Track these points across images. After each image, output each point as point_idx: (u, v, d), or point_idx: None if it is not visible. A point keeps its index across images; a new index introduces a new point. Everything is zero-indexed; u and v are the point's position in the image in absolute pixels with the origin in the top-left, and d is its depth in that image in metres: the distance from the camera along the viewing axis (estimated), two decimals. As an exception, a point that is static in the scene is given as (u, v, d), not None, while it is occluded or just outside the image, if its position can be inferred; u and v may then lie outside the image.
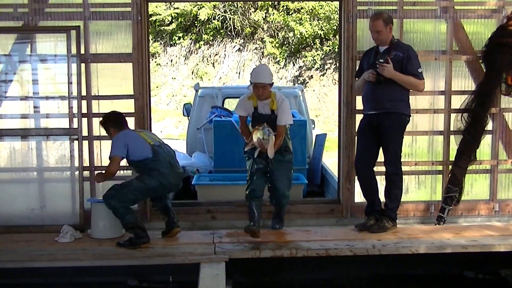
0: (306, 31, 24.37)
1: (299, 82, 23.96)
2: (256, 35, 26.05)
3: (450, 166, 7.50)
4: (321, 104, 23.53)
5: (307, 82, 24.21)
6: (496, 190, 7.73)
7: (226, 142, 9.33)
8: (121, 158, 6.56)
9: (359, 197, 7.45)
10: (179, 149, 11.09)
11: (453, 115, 7.57)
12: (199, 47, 26.42)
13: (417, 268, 6.84)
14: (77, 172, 7.16)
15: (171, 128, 22.38)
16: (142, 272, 6.47)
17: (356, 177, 7.35)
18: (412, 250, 6.57)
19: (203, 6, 25.54)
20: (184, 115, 11.99)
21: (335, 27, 23.25)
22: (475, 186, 7.75)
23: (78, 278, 6.46)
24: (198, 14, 25.90)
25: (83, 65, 7.18)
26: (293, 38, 24.98)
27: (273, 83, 6.87)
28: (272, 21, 25.54)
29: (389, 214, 7.04)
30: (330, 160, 11.75)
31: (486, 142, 7.60)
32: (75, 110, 7.14)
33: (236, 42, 26.12)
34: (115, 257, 6.30)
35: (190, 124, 11.24)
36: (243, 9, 25.81)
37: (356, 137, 7.33)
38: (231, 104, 12.03)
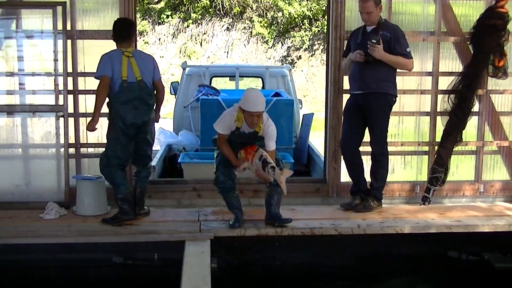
0: (295, 11, 24.34)
1: (287, 62, 23.94)
2: (245, 14, 25.97)
3: (436, 147, 7.52)
4: (309, 85, 23.55)
5: (295, 62, 24.20)
6: (481, 171, 7.77)
7: (212, 120, 9.23)
8: (108, 78, 6.32)
9: (345, 176, 7.46)
10: (166, 127, 11.11)
11: (440, 96, 7.58)
12: (188, 26, 26.31)
13: (402, 247, 6.87)
14: (62, 149, 7.12)
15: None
16: (127, 250, 6.46)
17: (342, 157, 7.35)
18: (397, 229, 6.60)
19: (192, -16, 25.43)
20: (171, 93, 11.94)
21: (324, 8, 23.23)
22: (461, 167, 7.78)
23: (62, 255, 6.41)
24: (187, -8, 25.80)
25: (69, 41, 7.12)
26: (281, 18, 24.93)
27: None
28: (261, 1, 25.47)
29: (374, 194, 7.06)
30: (317, 140, 11.75)
31: (472, 123, 7.62)
32: (61, 87, 7.09)
33: (224, 21, 26.03)
34: (100, 234, 6.28)
35: (177, 102, 11.21)
36: (233, -12, 25.73)
37: (342, 116, 7.32)
38: (218, 83, 12.03)
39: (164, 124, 11.43)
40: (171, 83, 12.25)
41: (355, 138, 7.03)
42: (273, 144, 6.27)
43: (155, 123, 6.79)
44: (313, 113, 11.31)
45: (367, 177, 7.13)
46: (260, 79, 11.59)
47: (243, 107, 6.11)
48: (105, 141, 6.78)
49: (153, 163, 8.37)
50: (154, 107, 6.64)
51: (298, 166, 9.69)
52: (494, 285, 6.42)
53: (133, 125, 6.45)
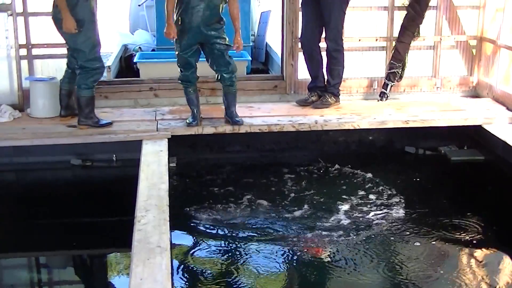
0: None
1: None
2: None
3: (394, 42, 7.48)
4: (267, -18, 23.16)
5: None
6: (438, 66, 7.77)
7: (168, 19, 9.14)
8: None
9: (302, 73, 7.43)
10: (122, 27, 10.90)
11: (398, -10, 7.49)
12: None
13: (361, 144, 6.94)
14: (13, 50, 6.92)
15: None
16: (85, 151, 6.41)
17: (299, 53, 7.32)
18: (354, 125, 6.64)
19: None
20: (127, -8, 11.65)
21: None
22: (418, 62, 7.76)
23: (19, 158, 6.34)
24: None
25: None
26: None
27: None
28: None
29: (331, 91, 7.05)
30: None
31: (430, 18, 7.56)
32: (7, -16, 6.81)
33: None
34: (56, 136, 6.20)
35: (132, 0, 10.96)
36: None
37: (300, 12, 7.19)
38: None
39: (120, 24, 11.22)
40: (125, -19, 11.94)
41: (313, 33, 6.96)
42: None
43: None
44: (270, 10, 11.14)
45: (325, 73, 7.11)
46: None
47: None
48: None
49: (109, 63, 8.27)
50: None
51: (256, 64, 9.66)
52: (450, 178, 6.53)
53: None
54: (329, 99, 7.01)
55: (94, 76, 6.33)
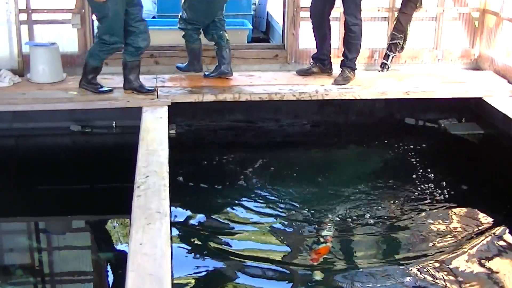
0: None
1: None
2: None
3: (396, 13, 7.44)
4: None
5: None
6: (440, 38, 7.73)
7: (169, -14, 9.10)
8: None
9: (303, 43, 7.40)
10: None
11: (401, -40, 7.43)
12: None
13: (360, 114, 6.94)
14: (13, 15, 6.87)
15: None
16: (84, 118, 6.39)
17: (301, 22, 7.33)
18: (355, 95, 6.62)
19: None
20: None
21: None
22: (420, 34, 7.72)
23: (18, 123, 6.33)
24: None
25: None
26: None
27: None
28: None
29: (349, 65, 6.93)
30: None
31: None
32: None
33: None
34: (56, 101, 6.18)
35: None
36: None
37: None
38: None
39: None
40: None
41: (325, 5, 6.89)
42: None
43: None
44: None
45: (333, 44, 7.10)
46: None
47: None
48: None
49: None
50: None
51: (257, 33, 9.61)
52: (448, 151, 6.54)
53: None
54: (349, 74, 6.89)
55: (109, 51, 6.29)
